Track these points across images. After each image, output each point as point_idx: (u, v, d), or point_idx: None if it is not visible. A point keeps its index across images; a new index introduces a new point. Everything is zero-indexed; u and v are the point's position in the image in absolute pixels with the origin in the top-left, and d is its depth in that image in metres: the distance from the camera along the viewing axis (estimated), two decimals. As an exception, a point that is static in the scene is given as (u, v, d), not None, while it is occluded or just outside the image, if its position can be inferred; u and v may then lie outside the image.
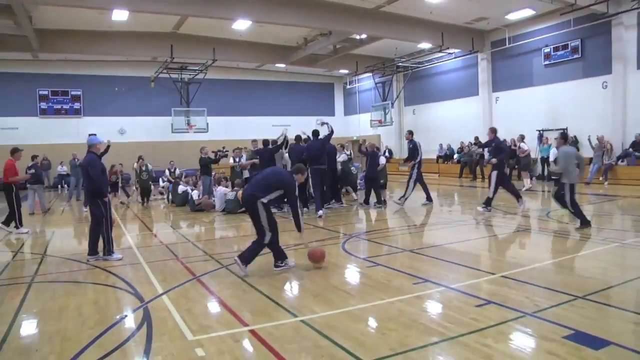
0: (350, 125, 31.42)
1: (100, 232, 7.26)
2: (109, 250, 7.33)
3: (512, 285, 5.32)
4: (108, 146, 10.44)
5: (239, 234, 9.56)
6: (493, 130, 11.06)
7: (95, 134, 7.76)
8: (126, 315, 4.82)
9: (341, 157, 13.38)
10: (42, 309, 5.12)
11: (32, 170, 12.68)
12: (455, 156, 23.42)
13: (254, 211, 6.08)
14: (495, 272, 5.89)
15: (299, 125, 25.60)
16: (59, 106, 24.84)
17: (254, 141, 13.78)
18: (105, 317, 4.79)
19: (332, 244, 8.00)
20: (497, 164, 10.72)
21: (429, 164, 25.60)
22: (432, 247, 7.65)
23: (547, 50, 19.53)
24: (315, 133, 11.81)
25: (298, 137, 12.35)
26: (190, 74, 25.29)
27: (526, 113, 20.54)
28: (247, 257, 6.12)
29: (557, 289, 5.18)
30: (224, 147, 17.19)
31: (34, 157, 13.04)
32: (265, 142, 12.59)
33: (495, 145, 10.85)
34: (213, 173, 14.07)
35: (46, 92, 24.63)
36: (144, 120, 26.18)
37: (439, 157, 24.64)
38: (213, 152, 14.58)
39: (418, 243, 8.02)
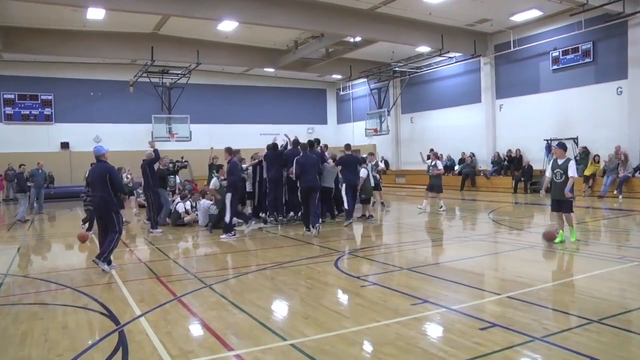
0: (344, 135, 31.49)
1: (114, 240, 7.75)
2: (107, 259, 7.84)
3: (519, 307, 5.28)
4: (155, 150, 11.53)
5: (223, 250, 9.58)
6: None
7: (100, 144, 8.07)
8: (99, 340, 4.74)
9: (362, 173, 13.12)
10: (1, 335, 5.00)
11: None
12: (457, 167, 23.49)
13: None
14: (501, 293, 5.87)
15: (287, 133, 25.74)
16: (27, 112, 24.63)
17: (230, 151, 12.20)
18: (75, 342, 4.69)
19: (324, 261, 8.01)
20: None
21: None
22: (432, 265, 7.66)
23: (555, 54, 19.54)
24: (309, 142, 11.95)
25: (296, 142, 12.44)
26: (172, 79, 25.28)
27: (533, 121, 20.62)
28: None
29: (568, 311, 5.15)
30: (182, 157, 17.03)
31: (20, 166, 14.38)
32: (272, 145, 12.63)
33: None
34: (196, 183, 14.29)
35: (12, 96, 24.42)
36: (121, 127, 26.08)
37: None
38: (172, 162, 14.34)
39: (416, 260, 8.01)
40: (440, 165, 14.38)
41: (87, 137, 25.27)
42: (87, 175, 10.37)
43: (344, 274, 7.19)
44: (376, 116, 27.11)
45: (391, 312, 5.28)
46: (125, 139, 25.59)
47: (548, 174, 8.99)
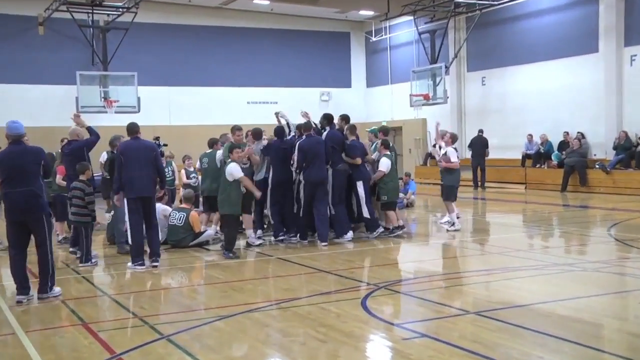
0: (377, 104, 31.41)
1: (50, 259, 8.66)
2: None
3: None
4: (90, 128, 11.67)
5: (192, 281, 10.00)
6: None
7: (16, 120, 8.65)
8: None
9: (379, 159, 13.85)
10: None
11: None
12: (554, 156, 23.67)
13: None
14: (633, 357, 5.89)
15: (291, 102, 25.53)
16: None
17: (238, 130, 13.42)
18: None
19: (345, 299, 8.27)
20: None
21: (509, 168, 25.15)
22: (515, 307, 7.82)
23: None
24: (329, 118, 13.19)
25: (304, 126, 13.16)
26: (108, 15, 25.16)
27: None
28: None
29: None
30: (158, 138, 17.25)
31: None
32: (279, 131, 13.37)
33: None
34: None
35: None
36: (26, 90, 25.89)
37: (525, 156, 24.78)
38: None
39: (490, 300, 8.27)
40: (453, 155, 14.38)
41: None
42: None
43: (375, 318, 7.37)
44: (427, 75, 27.01)
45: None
46: (32, 109, 25.19)
47: None
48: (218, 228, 13.25)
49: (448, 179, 14.33)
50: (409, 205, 18.92)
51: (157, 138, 17.31)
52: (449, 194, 14.33)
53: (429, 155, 27.45)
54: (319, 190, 12.40)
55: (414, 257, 11.96)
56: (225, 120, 23.45)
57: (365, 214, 12.96)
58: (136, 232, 10.66)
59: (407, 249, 12.50)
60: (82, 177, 10.88)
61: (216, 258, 11.59)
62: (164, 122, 26.74)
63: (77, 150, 11.42)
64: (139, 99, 25.04)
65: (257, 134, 13.04)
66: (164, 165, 13.85)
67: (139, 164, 10.59)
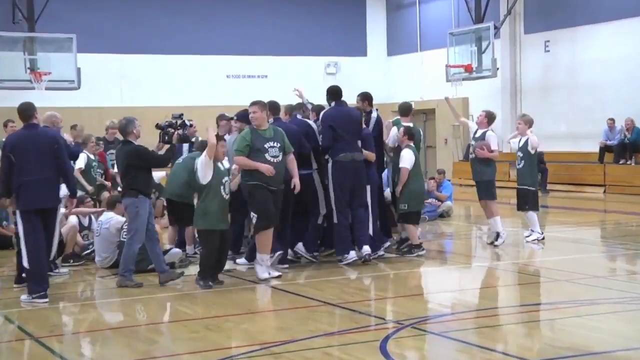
0: (401, 78, 31.61)
1: None
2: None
3: None
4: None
5: (152, 319, 10.12)
6: None
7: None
8: None
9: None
10: None
11: None
12: None
13: None
14: None
15: (286, 76, 25.44)
16: None
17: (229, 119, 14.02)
18: None
19: (361, 341, 8.16)
20: None
21: (581, 164, 24.98)
22: (586, 354, 7.70)
23: None
24: (334, 90, 13.31)
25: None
26: None
27: None
28: None
29: None
30: (181, 115, 16.96)
31: None
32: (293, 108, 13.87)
33: None
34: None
35: None
36: None
37: (604, 148, 24.97)
38: (168, 122, 14.04)
39: (552, 344, 8.17)
40: (494, 141, 14.59)
41: None
42: None
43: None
44: (471, 39, 27.32)
45: None
46: None
47: None
48: (195, 248, 13.56)
49: (487, 172, 14.48)
50: (445, 215, 18.62)
51: (180, 115, 16.52)
52: (489, 191, 14.51)
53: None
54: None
55: (450, 285, 11.90)
56: (197, 100, 23.59)
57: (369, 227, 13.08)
58: (36, 255, 10.65)
59: (440, 275, 12.61)
60: None
61: (185, 286, 11.45)
62: (114, 103, 26.96)
63: None
64: (78, 70, 25.34)
65: (274, 108, 12.90)
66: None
67: (35, 163, 10.61)
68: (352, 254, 12.72)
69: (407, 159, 13.23)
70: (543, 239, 14.54)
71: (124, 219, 13.15)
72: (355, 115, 13.07)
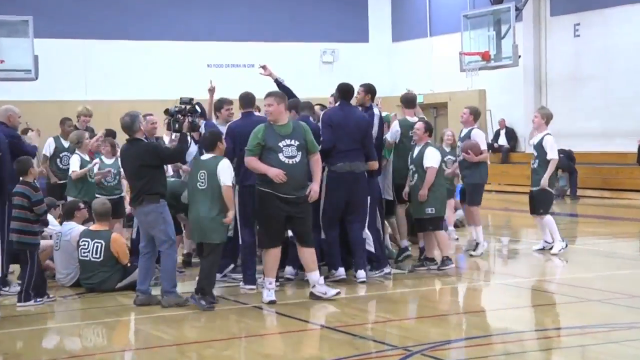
0: (407, 67, 31.91)
1: None
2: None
3: None
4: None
5: (122, 344, 10.30)
6: None
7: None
8: None
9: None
10: None
11: None
12: None
13: None
14: None
15: (276, 65, 25.56)
16: None
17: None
18: None
19: None
20: None
21: (617, 166, 25.14)
22: None
23: None
24: (344, 89, 13.32)
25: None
26: None
27: None
28: None
29: None
30: (191, 100, 17.11)
31: None
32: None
33: None
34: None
35: None
36: None
37: None
38: (177, 107, 13.96)
39: None
40: (482, 140, 15.12)
41: None
42: None
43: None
44: (487, 23, 27.89)
45: None
46: None
47: None
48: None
49: (474, 175, 15.08)
50: (459, 224, 18.93)
51: (190, 100, 16.41)
52: (474, 196, 15.21)
53: (492, 146, 27.43)
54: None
55: (466, 305, 11.99)
56: (173, 93, 23.47)
57: (369, 245, 13.21)
58: None
59: (454, 294, 12.74)
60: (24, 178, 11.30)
61: (159, 308, 11.35)
62: (77, 96, 27.12)
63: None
64: (36, 58, 25.75)
65: (296, 104, 13.15)
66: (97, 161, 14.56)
67: None
68: (341, 271, 12.88)
69: (434, 157, 13.39)
70: (566, 246, 14.59)
71: (83, 227, 13.30)
72: (362, 120, 13.10)
